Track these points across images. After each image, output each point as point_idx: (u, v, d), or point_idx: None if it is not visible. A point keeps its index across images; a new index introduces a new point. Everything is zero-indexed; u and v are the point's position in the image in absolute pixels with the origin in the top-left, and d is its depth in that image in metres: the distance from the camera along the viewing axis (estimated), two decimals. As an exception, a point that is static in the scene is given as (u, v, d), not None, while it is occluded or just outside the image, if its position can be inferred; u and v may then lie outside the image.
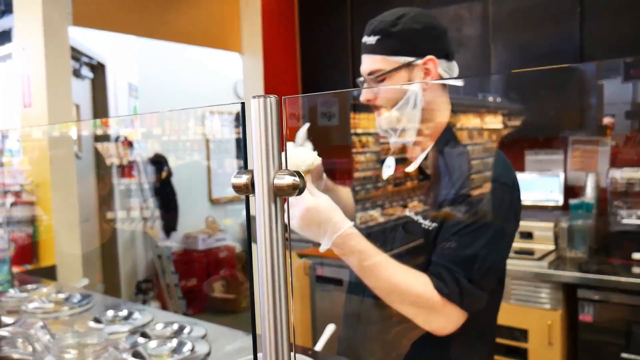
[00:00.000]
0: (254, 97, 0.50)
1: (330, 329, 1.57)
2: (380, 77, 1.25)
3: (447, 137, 1.26)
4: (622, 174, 2.66)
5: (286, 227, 0.53)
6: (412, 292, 1.14)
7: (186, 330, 1.52)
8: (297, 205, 1.11)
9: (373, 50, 1.25)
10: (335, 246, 1.12)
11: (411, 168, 1.30)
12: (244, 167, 0.53)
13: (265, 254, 0.51)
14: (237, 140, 5.55)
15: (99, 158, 4.12)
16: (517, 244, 2.78)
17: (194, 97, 5.07)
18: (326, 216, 1.11)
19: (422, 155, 1.28)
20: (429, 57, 1.24)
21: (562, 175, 2.93)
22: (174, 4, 3.54)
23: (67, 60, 2.83)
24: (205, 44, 3.70)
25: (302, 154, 1.12)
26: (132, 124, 4.80)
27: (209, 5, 3.73)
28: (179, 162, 5.07)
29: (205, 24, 3.68)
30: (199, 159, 5.35)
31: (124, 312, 1.72)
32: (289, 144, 1.11)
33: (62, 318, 1.80)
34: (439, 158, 1.27)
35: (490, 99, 2.87)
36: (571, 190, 2.92)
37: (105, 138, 4.25)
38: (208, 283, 5.05)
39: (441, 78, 1.26)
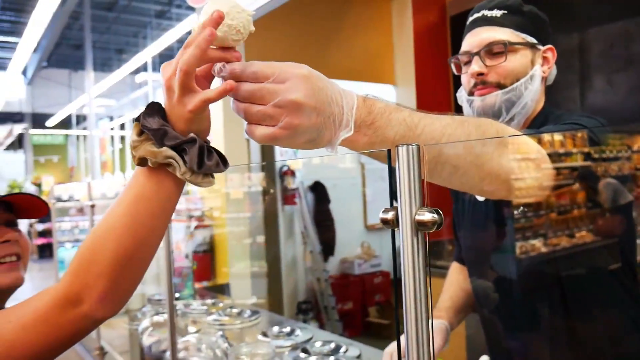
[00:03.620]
0: (398, 145, 0.58)
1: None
2: (504, 49, 1.15)
3: (542, 118, 1.20)
4: None
5: (428, 258, 0.60)
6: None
7: (342, 350, 1.64)
8: (292, 79, 0.69)
9: (498, 22, 1.18)
10: (363, 125, 0.71)
11: None
12: (390, 204, 0.61)
13: (408, 284, 0.59)
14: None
15: (266, 186, 4.51)
16: None
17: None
18: (332, 86, 0.72)
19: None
20: (550, 45, 1.20)
21: None
22: (333, 43, 3.80)
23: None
24: (361, 79, 3.89)
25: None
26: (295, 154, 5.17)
27: (364, 41, 3.94)
28: (337, 189, 5.31)
29: (361, 59, 3.88)
30: (355, 185, 5.54)
31: (287, 329, 1.90)
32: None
33: (234, 330, 2.04)
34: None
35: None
36: None
37: (270, 167, 4.65)
38: (363, 307, 5.17)
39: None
